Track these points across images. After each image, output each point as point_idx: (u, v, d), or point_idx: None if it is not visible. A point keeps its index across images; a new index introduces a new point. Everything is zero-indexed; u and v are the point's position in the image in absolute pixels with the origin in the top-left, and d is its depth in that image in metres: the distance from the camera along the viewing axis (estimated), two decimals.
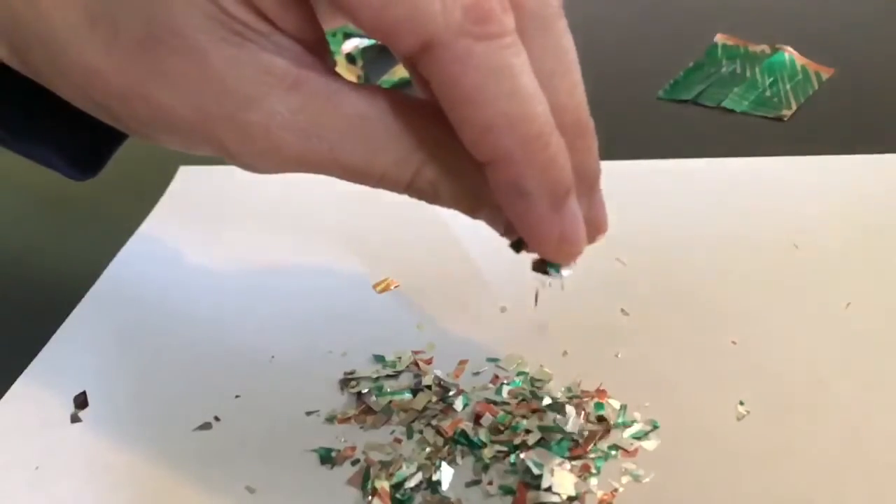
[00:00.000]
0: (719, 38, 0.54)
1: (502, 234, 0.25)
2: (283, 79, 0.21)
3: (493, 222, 0.24)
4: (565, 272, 0.24)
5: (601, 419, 0.29)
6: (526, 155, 0.21)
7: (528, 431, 0.28)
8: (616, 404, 0.29)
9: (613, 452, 0.28)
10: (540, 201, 0.21)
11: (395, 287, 0.36)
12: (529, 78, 0.20)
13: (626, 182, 0.40)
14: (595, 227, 0.24)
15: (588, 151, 0.23)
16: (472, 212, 0.24)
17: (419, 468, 0.28)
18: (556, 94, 0.21)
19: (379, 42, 0.22)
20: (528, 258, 0.25)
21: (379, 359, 0.33)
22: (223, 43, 0.21)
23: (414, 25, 0.19)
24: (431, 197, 0.23)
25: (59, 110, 0.24)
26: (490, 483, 0.27)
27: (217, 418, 0.31)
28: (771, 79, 0.49)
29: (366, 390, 0.31)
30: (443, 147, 0.22)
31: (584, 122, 0.22)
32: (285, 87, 0.21)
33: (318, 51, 0.22)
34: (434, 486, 0.27)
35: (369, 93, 0.22)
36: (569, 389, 0.30)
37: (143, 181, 0.45)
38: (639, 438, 0.28)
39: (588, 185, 0.23)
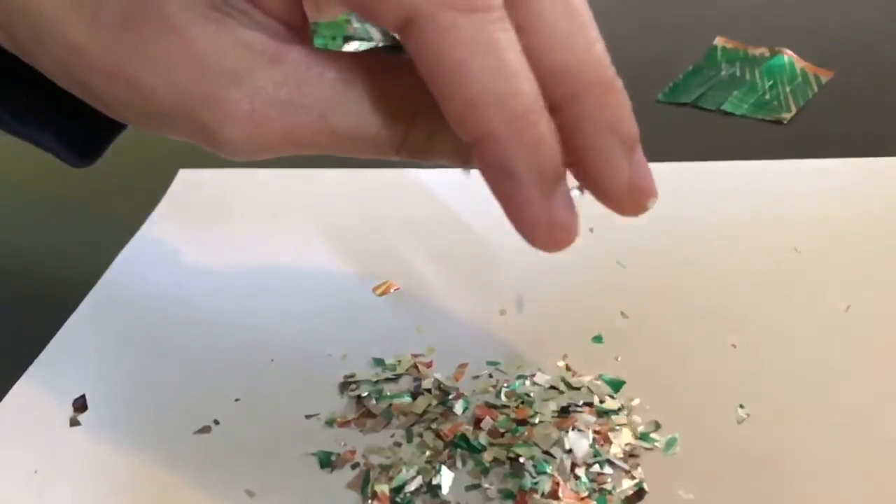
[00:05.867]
0: (719, 41, 0.54)
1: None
2: (264, 52, 0.21)
3: None
4: (576, 193, 0.23)
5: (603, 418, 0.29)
6: (512, 132, 0.20)
7: (528, 436, 0.28)
8: (616, 406, 0.29)
9: (616, 451, 0.28)
10: (527, 183, 0.20)
11: (395, 290, 0.36)
12: (516, 54, 0.20)
13: None
14: (641, 192, 0.22)
15: (619, 108, 0.21)
16: (468, 161, 0.23)
17: (419, 472, 0.28)
18: (575, 51, 0.21)
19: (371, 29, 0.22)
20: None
21: (379, 362, 0.33)
22: (202, 19, 0.21)
23: None
24: (425, 152, 0.23)
25: (60, 94, 0.24)
26: (490, 487, 0.27)
27: (217, 422, 0.31)
28: (770, 82, 0.49)
29: (365, 394, 0.31)
30: (432, 99, 0.22)
31: (610, 78, 0.21)
32: (266, 60, 0.21)
33: (299, 30, 0.22)
34: (434, 489, 0.27)
35: (351, 58, 0.22)
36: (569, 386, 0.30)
37: (143, 184, 0.45)
38: (643, 440, 0.28)
39: (627, 146, 0.22)
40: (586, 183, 0.22)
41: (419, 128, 0.22)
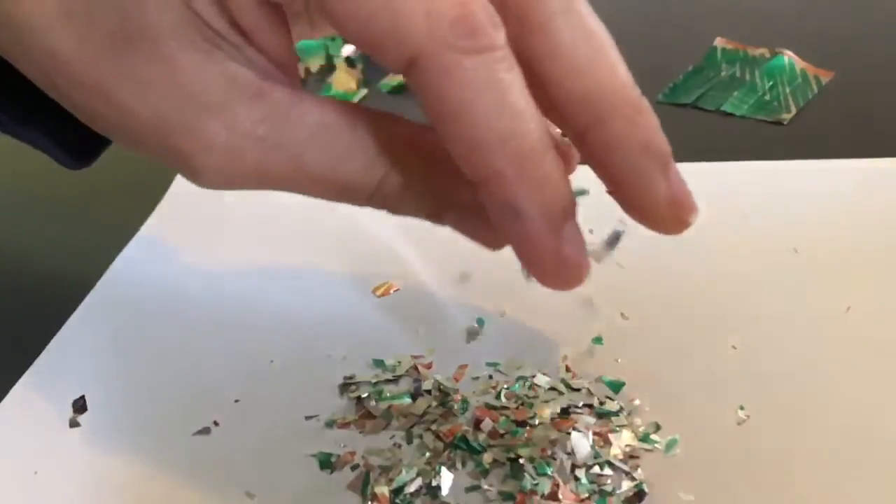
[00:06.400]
0: (719, 42, 0.54)
1: (472, 238, 0.24)
2: (248, 88, 0.21)
3: (459, 226, 0.24)
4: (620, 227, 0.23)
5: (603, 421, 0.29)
6: (518, 172, 0.20)
7: (527, 437, 0.28)
8: (616, 408, 0.29)
9: (616, 452, 0.28)
10: (536, 222, 0.20)
11: (395, 291, 0.36)
12: (521, 94, 0.20)
13: None
14: (682, 208, 0.22)
15: (650, 127, 0.21)
16: (438, 216, 0.24)
17: (419, 473, 0.28)
18: (597, 76, 0.21)
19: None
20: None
21: (378, 363, 0.33)
22: (191, 48, 0.21)
23: (399, 38, 0.19)
24: (395, 203, 0.23)
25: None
26: (490, 488, 0.27)
27: (216, 423, 0.31)
28: (770, 82, 0.49)
29: (365, 395, 0.31)
30: (407, 153, 0.22)
31: (637, 99, 0.21)
32: (249, 95, 0.21)
33: (287, 70, 0.22)
34: (434, 491, 0.27)
35: (332, 103, 0.22)
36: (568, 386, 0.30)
37: (143, 185, 0.45)
38: (643, 442, 0.28)
39: (662, 163, 0.22)
40: (624, 205, 0.22)
41: (392, 180, 0.22)
